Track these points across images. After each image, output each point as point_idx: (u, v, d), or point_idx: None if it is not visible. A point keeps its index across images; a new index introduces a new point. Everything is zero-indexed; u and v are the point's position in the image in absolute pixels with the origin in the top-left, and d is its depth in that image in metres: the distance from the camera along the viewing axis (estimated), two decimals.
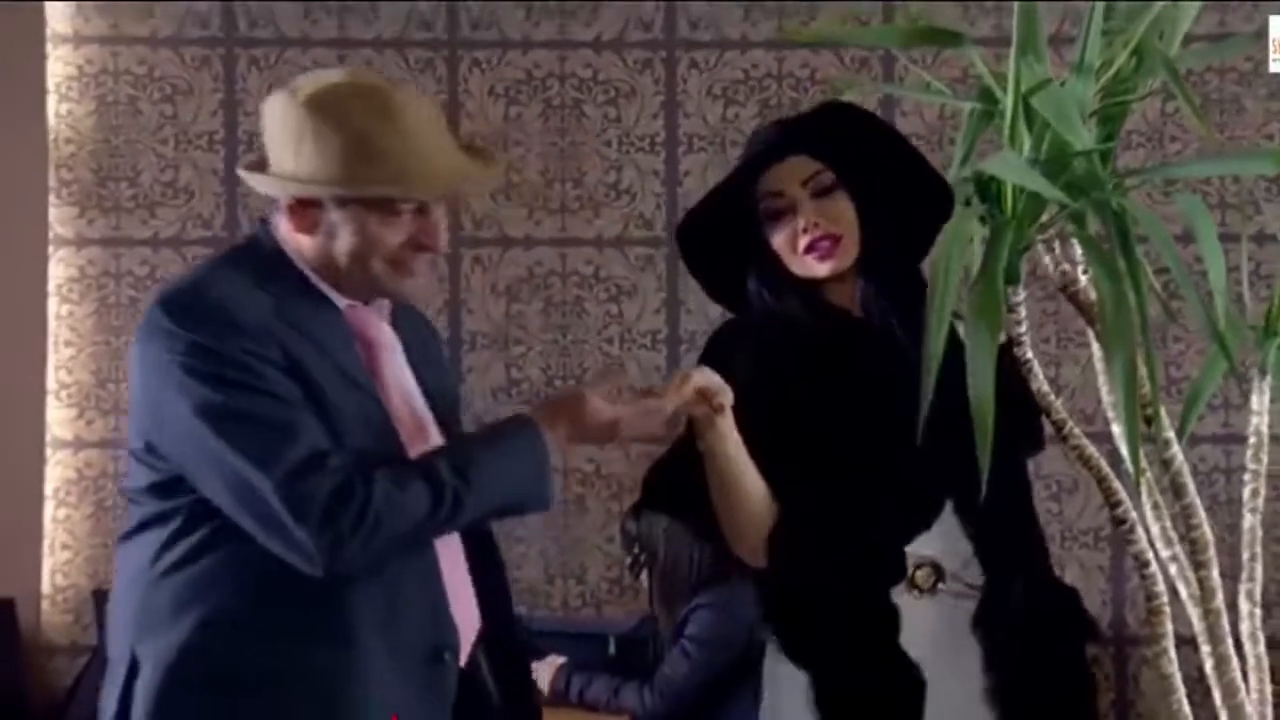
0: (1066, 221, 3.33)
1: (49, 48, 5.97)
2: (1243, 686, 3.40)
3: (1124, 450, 3.43)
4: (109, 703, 2.64)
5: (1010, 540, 2.88)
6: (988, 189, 3.10)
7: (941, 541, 2.84)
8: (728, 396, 2.76)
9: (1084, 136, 3.17)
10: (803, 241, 2.89)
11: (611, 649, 5.29)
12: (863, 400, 2.85)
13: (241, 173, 2.83)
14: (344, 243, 2.70)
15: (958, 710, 2.82)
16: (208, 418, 2.52)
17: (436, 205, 2.75)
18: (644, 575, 5.08)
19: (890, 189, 2.94)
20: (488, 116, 6.02)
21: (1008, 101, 3.18)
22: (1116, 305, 3.26)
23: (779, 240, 2.92)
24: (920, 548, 2.83)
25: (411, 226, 2.71)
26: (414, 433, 2.80)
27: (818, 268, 2.89)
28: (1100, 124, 3.39)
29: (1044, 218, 3.29)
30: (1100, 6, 3.49)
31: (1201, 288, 3.37)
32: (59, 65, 5.99)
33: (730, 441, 2.80)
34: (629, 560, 5.21)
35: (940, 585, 2.81)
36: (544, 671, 5.09)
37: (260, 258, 2.74)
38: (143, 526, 2.61)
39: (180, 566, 2.55)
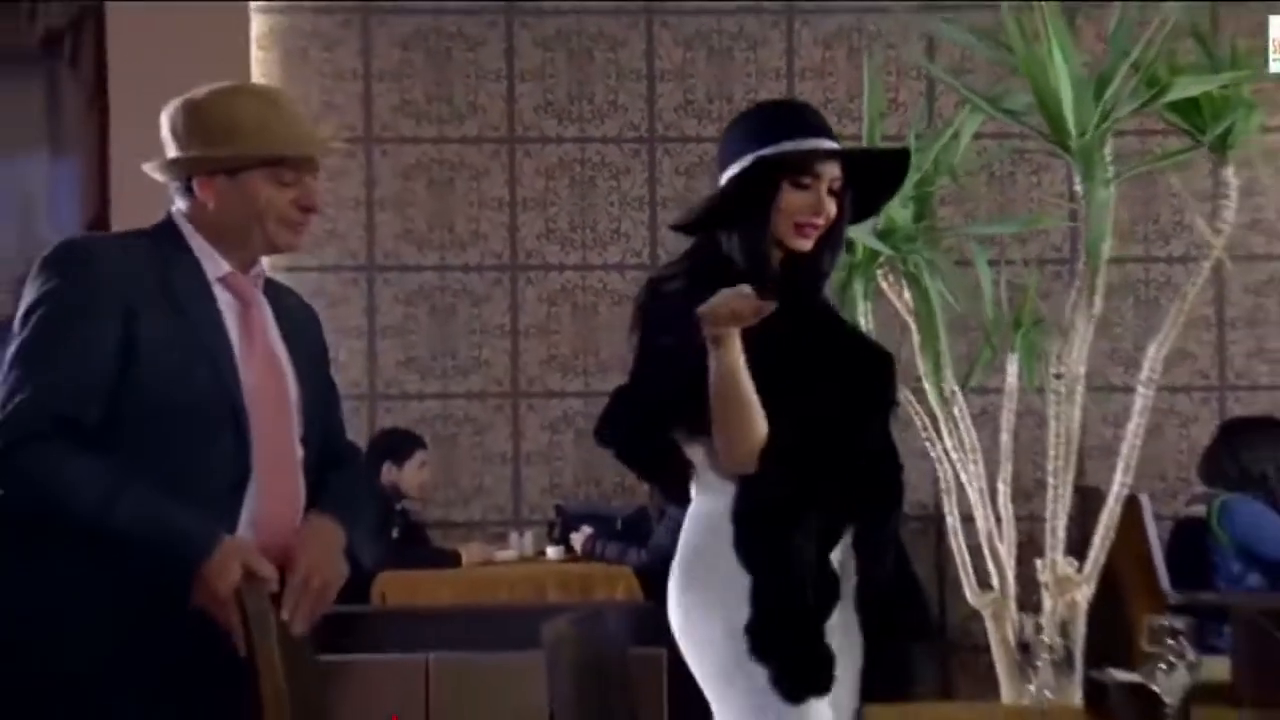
0: (897, 261, 3.78)
1: None
2: (996, 533, 3.75)
3: (931, 398, 3.83)
4: None
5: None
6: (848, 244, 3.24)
7: None
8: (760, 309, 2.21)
9: (903, 215, 3.61)
10: (805, 218, 2.38)
11: (619, 525, 5.36)
12: (798, 351, 2.37)
13: (148, 168, 2.36)
14: (244, 206, 2.27)
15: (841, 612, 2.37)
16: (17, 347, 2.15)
17: (312, 175, 2.31)
18: None
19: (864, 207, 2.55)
20: (534, 187, 6.18)
21: None
22: (927, 312, 3.79)
23: (792, 204, 2.39)
24: None
25: (295, 191, 2.29)
26: (272, 388, 2.28)
27: (799, 242, 2.41)
28: (916, 203, 3.77)
29: (881, 259, 3.78)
30: (913, 132, 4.00)
31: (979, 298, 3.83)
32: None
33: (740, 356, 2.26)
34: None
35: None
36: (578, 538, 5.32)
37: (161, 232, 2.32)
38: None
39: None
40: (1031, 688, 2.20)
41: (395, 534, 5.20)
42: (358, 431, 6.07)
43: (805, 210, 2.40)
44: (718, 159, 2.48)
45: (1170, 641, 2.22)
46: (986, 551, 3.77)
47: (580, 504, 5.79)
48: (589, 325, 6.19)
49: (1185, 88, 3.23)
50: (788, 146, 2.40)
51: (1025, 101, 3.63)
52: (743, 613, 2.30)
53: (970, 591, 3.74)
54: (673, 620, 2.40)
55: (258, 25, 6.17)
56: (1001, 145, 5.56)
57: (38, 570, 2.12)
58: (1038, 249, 5.95)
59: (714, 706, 2.36)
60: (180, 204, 2.34)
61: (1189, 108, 3.39)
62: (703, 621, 2.34)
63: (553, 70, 6.24)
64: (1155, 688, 2.20)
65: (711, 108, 6.20)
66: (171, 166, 2.33)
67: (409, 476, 5.40)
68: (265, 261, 2.42)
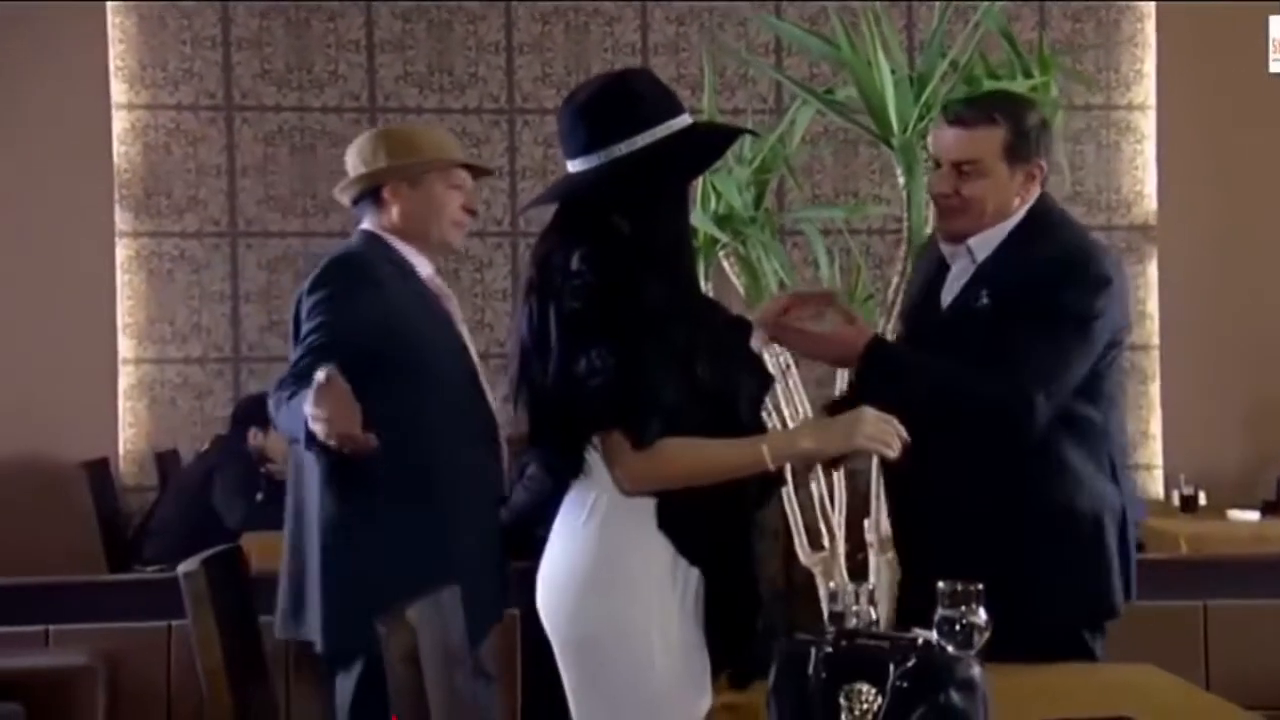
0: (736, 244, 3.91)
1: (113, 112, 6.06)
2: (828, 497, 3.82)
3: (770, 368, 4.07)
4: None
5: None
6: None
7: None
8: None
9: (739, 201, 3.71)
10: None
11: None
12: None
13: (339, 194, 2.79)
14: (425, 207, 2.70)
15: None
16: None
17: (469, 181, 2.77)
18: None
19: None
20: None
21: (700, 180, 3.68)
22: (757, 287, 3.95)
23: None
24: None
25: (462, 195, 2.75)
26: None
27: None
28: (755, 187, 3.84)
29: (721, 243, 3.93)
30: (752, 121, 4.11)
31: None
32: (119, 123, 6.09)
33: None
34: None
35: None
36: None
37: (370, 244, 2.73)
38: None
39: None
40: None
41: (260, 497, 5.23)
42: (223, 394, 6.11)
43: None
44: (595, 133, 2.12)
45: (963, 606, 2.35)
46: (819, 513, 3.90)
47: None
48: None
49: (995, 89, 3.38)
50: (698, 122, 2.19)
51: (853, 94, 3.76)
52: (676, 612, 2.11)
53: (802, 552, 3.90)
54: (576, 625, 2.13)
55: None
56: (828, 140, 5.76)
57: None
58: (879, 220, 6.14)
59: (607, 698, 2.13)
60: (371, 219, 2.76)
61: None
62: (630, 626, 2.09)
63: (412, 42, 6.24)
64: (950, 647, 2.35)
65: (570, 80, 6.26)
66: (366, 178, 2.73)
67: (275, 441, 5.39)
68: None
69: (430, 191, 2.72)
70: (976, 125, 2.47)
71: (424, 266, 2.75)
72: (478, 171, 2.89)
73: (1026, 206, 2.53)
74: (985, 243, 2.55)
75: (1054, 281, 2.43)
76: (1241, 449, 6.10)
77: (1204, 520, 5.21)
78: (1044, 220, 2.55)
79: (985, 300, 2.46)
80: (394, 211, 2.72)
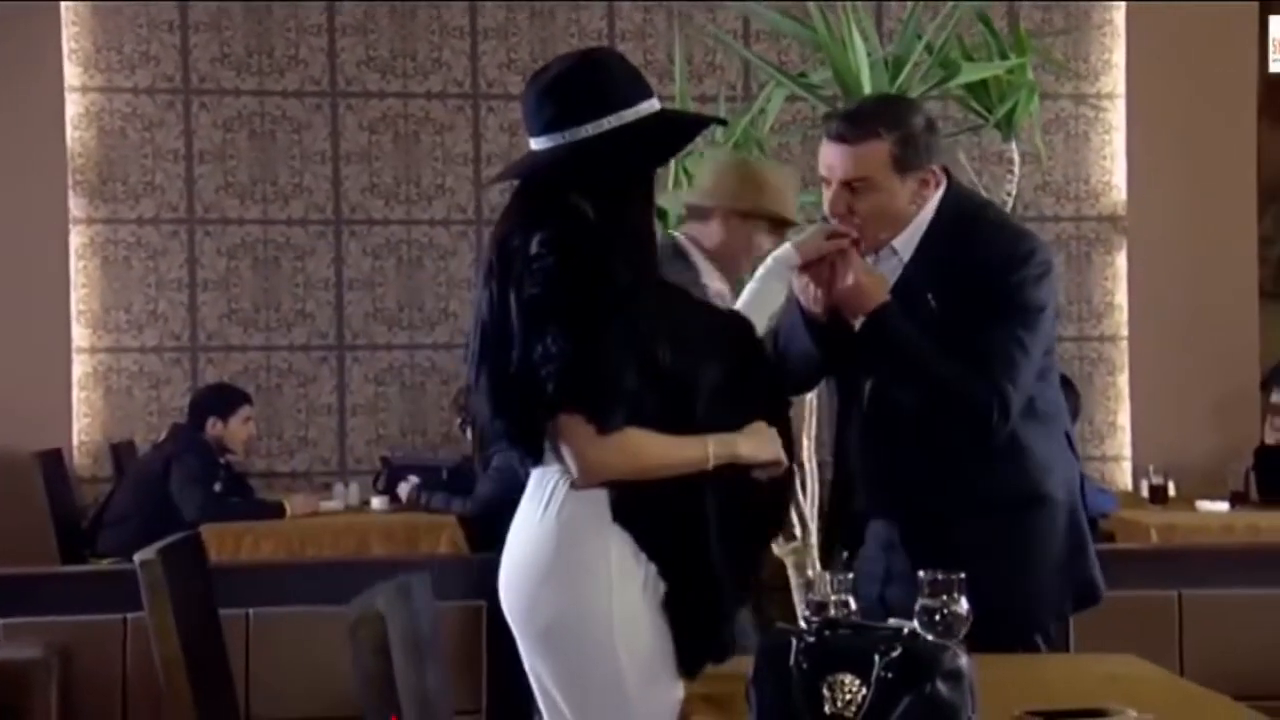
0: None
1: (67, 95, 5.97)
2: (799, 487, 3.92)
3: None
4: None
5: None
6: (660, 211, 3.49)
7: None
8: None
9: None
10: None
11: (444, 475, 5.25)
12: None
13: (688, 199, 3.14)
14: (741, 244, 3.01)
15: None
16: None
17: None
18: (468, 430, 5.12)
19: None
20: (357, 141, 6.13)
21: (671, 165, 3.82)
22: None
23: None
24: None
25: (770, 245, 2.93)
26: None
27: None
28: None
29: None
30: (724, 107, 4.09)
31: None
32: (73, 106, 5.99)
33: None
34: (459, 420, 5.37)
35: None
36: (404, 489, 5.24)
37: (670, 252, 2.99)
38: None
39: None
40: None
41: (218, 487, 5.17)
42: (180, 384, 6.02)
43: None
44: (561, 112, 2.06)
45: (944, 595, 2.32)
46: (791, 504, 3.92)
47: (406, 454, 5.81)
48: (415, 278, 6.20)
49: (972, 72, 3.39)
50: (669, 109, 2.19)
51: (827, 77, 3.76)
52: (640, 599, 2.07)
53: (775, 543, 3.87)
54: (537, 614, 2.09)
55: None
56: (797, 127, 5.69)
57: None
58: None
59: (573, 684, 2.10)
60: (696, 228, 3.07)
61: (978, 89, 3.56)
62: (590, 610, 2.06)
63: (374, 26, 6.17)
64: (930, 637, 2.31)
65: (535, 66, 6.02)
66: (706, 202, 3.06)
67: (234, 431, 5.36)
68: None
69: (750, 235, 3.02)
70: (860, 141, 2.36)
71: (715, 281, 3.02)
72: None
73: (934, 201, 2.43)
74: (908, 241, 2.46)
75: (1008, 275, 2.39)
76: (1210, 439, 6.11)
77: (1173, 511, 5.22)
78: (968, 211, 2.47)
79: (933, 304, 2.39)
80: (719, 239, 3.04)
